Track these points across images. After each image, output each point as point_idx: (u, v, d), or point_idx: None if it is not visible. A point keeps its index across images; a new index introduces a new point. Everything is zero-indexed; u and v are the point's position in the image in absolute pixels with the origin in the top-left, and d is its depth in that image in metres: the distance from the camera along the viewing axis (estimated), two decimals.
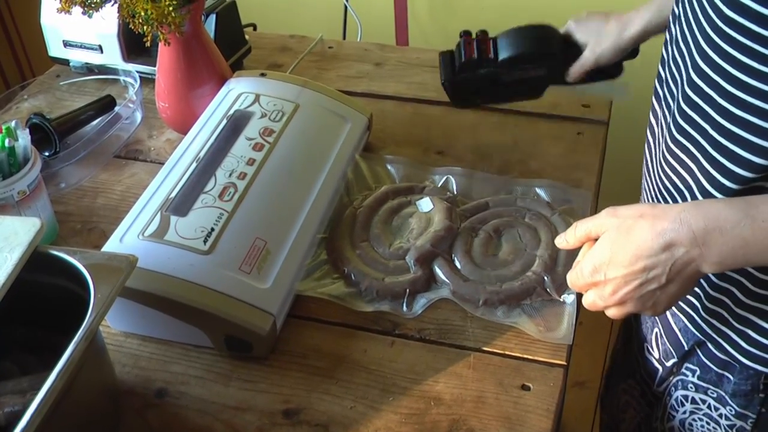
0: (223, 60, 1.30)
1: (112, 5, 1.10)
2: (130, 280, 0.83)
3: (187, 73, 1.24)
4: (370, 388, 0.93)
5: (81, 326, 0.76)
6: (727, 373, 0.94)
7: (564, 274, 1.02)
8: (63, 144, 1.29)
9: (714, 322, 0.91)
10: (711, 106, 0.81)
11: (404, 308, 1.01)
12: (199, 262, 0.95)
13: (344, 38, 2.20)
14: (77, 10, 1.10)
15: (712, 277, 0.88)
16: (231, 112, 1.18)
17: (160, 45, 1.20)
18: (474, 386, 0.92)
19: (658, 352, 1.04)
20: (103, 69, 1.48)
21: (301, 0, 2.31)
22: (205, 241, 0.97)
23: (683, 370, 1.00)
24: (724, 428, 0.98)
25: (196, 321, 0.94)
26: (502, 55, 1.16)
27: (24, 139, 1.09)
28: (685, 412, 1.02)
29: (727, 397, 0.95)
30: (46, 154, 1.26)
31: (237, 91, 1.22)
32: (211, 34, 1.39)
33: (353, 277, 1.04)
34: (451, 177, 1.19)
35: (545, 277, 1.02)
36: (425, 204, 1.12)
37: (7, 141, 1.06)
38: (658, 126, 0.95)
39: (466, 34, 1.18)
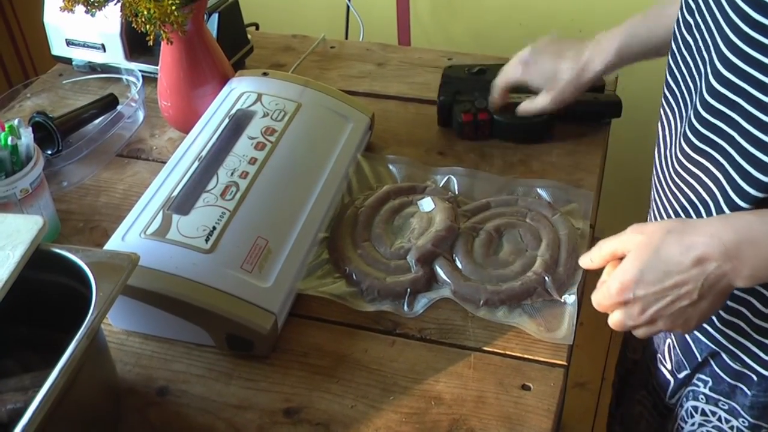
0: (225, 59, 1.31)
1: (115, 4, 1.10)
2: (132, 278, 0.83)
3: (189, 72, 1.24)
4: (371, 387, 0.93)
5: (83, 324, 0.76)
6: (741, 385, 0.93)
7: (564, 274, 1.03)
8: (65, 142, 1.29)
9: (730, 332, 0.90)
10: (738, 113, 0.79)
11: (405, 308, 1.01)
12: (201, 260, 0.95)
13: (346, 38, 2.20)
14: (80, 8, 1.10)
15: None
16: (233, 111, 1.18)
17: (163, 44, 1.20)
18: (474, 386, 0.93)
19: (670, 363, 1.03)
20: (105, 68, 1.48)
21: (303, 0, 2.32)
22: (206, 240, 0.97)
23: (695, 380, 0.99)
24: None
25: (198, 319, 0.95)
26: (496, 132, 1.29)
27: (27, 137, 1.09)
28: (694, 424, 1.01)
29: (739, 409, 0.94)
30: (49, 152, 1.26)
31: (239, 91, 1.23)
32: (214, 34, 1.39)
33: (354, 277, 1.04)
34: (452, 177, 1.19)
35: (546, 278, 1.02)
36: (427, 204, 1.12)
37: (9, 139, 1.06)
38: (669, 133, 0.93)
39: (466, 113, 1.28)
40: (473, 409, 0.90)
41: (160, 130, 1.37)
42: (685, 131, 0.88)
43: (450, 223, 1.08)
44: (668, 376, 1.04)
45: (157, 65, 1.29)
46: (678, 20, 0.90)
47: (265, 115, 1.17)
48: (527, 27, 2.08)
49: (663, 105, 0.96)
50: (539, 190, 1.16)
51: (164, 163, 1.14)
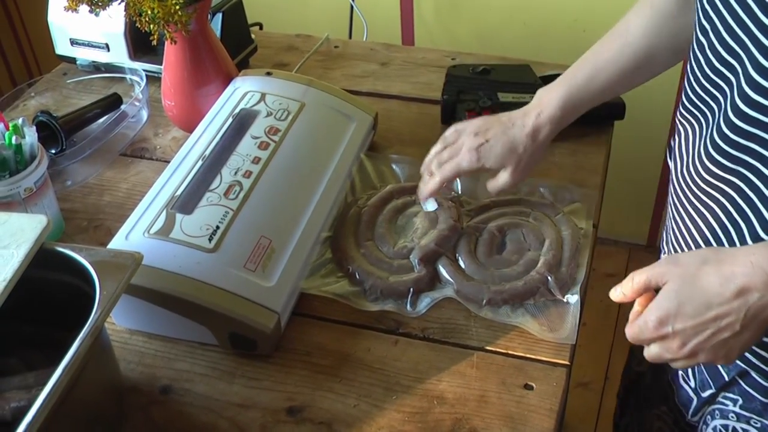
0: (229, 59, 1.31)
1: (119, 3, 1.10)
2: (136, 277, 0.83)
3: (193, 71, 1.25)
4: (374, 386, 0.93)
5: (86, 323, 0.76)
6: None
7: (567, 274, 1.03)
8: (69, 142, 1.30)
9: (761, 351, 0.88)
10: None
11: (408, 307, 1.01)
12: (205, 260, 0.96)
13: (350, 38, 2.20)
14: (84, 8, 1.10)
15: None
16: (236, 110, 1.18)
17: (167, 44, 1.20)
18: (477, 385, 0.93)
19: (694, 381, 1.01)
20: (109, 67, 1.49)
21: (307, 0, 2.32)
22: (210, 239, 0.97)
23: (720, 398, 0.97)
24: None
25: (201, 318, 0.95)
26: None
27: (31, 136, 1.09)
28: None
29: None
30: (53, 151, 1.27)
31: (243, 90, 1.23)
32: (218, 33, 1.39)
33: (357, 276, 1.04)
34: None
35: (549, 277, 1.02)
36: (430, 203, 1.12)
37: (14, 138, 1.07)
38: (689, 147, 0.91)
39: (470, 112, 1.28)
40: (476, 409, 0.90)
41: (163, 130, 1.37)
42: (708, 149, 0.85)
43: (453, 223, 1.08)
44: (692, 394, 1.02)
45: (160, 65, 1.29)
46: (696, 26, 0.88)
47: (268, 114, 1.17)
48: (531, 27, 2.08)
49: (682, 113, 0.94)
50: (542, 190, 1.16)
51: (168, 162, 1.14)
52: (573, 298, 1.01)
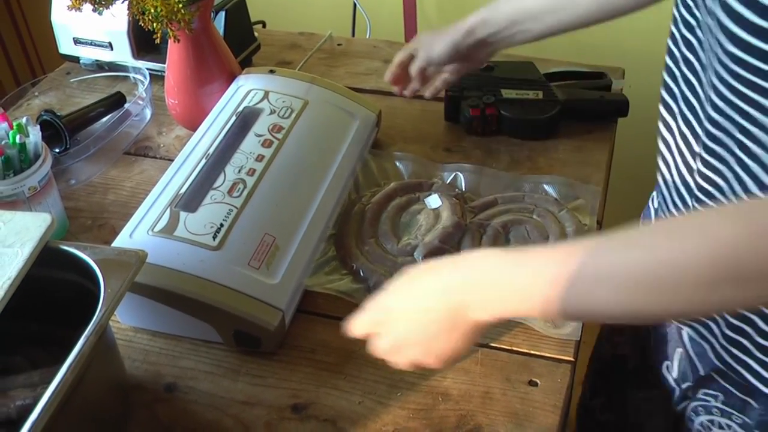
0: (232, 57, 1.31)
1: (123, 2, 1.10)
2: (140, 275, 0.83)
3: (196, 70, 1.25)
4: (378, 383, 0.93)
5: (91, 321, 0.77)
6: (751, 400, 0.91)
7: None
8: (73, 140, 1.30)
9: (734, 350, 0.88)
10: (739, 133, 0.75)
11: None
12: (209, 257, 0.96)
13: (353, 35, 2.20)
14: (87, 7, 1.10)
15: None
16: (240, 108, 1.18)
17: (170, 42, 1.20)
18: (481, 382, 0.93)
19: (677, 372, 1.02)
20: (113, 66, 1.49)
21: None
22: (214, 237, 0.97)
23: (701, 395, 0.97)
24: None
25: (206, 316, 0.95)
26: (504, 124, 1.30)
27: (35, 135, 1.09)
28: None
29: (752, 425, 0.93)
30: (57, 150, 1.27)
31: (246, 88, 1.23)
32: (221, 31, 1.39)
33: (361, 273, 1.04)
34: (459, 174, 1.19)
35: None
36: (433, 200, 1.12)
37: (18, 137, 1.07)
38: (672, 149, 0.90)
39: (473, 108, 1.29)
40: (480, 405, 0.90)
41: (167, 128, 1.38)
42: (692, 147, 0.84)
43: (457, 220, 1.08)
44: (673, 384, 1.03)
45: (164, 63, 1.29)
46: (675, 17, 0.87)
47: (272, 112, 1.17)
48: None
49: (663, 112, 0.93)
50: (546, 186, 1.16)
51: (172, 160, 1.14)
52: None
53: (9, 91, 1.46)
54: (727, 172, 0.79)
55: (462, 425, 0.88)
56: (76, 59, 1.53)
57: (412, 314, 0.76)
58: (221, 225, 0.99)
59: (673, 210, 0.92)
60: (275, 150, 1.10)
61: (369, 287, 1.03)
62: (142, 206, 1.05)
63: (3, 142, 1.07)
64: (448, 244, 1.06)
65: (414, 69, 1.24)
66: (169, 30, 1.12)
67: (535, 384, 0.92)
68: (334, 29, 1.65)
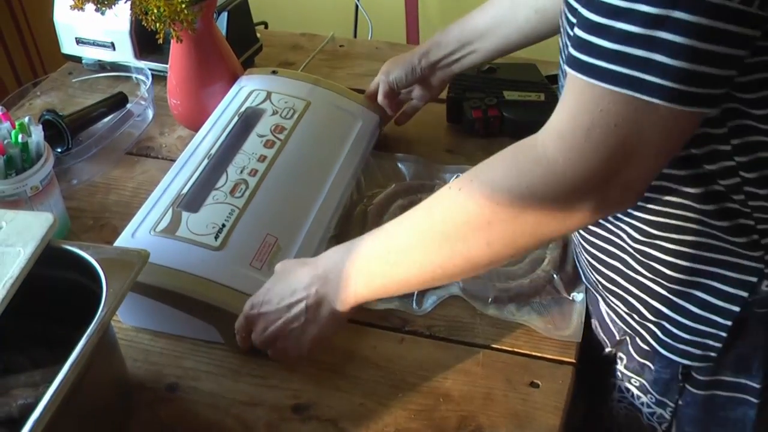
0: (234, 57, 1.31)
1: (125, 2, 1.10)
2: (142, 275, 0.83)
3: (198, 70, 1.25)
4: (380, 384, 0.93)
5: (93, 320, 0.77)
6: (648, 362, 0.95)
7: (573, 272, 1.03)
8: (75, 140, 1.30)
9: (635, 315, 0.93)
10: None
11: (414, 305, 1.01)
12: (211, 257, 0.96)
13: (355, 36, 2.20)
14: (90, 7, 1.10)
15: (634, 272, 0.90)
16: (242, 109, 1.18)
17: (173, 42, 1.20)
18: (483, 383, 0.93)
19: (600, 335, 1.05)
20: (115, 66, 1.49)
21: None
22: (216, 237, 0.97)
23: (617, 359, 1.01)
24: (646, 416, 0.99)
25: (207, 316, 0.95)
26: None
27: (37, 135, 1.09)
28: (613, 400, 1.03)
29: (648, 386, 0.96)
30: (59, 150, 1.27)
31: (248, 89, 1.23)
32: (223, 32, 1.39)
33: None
34: (461, 175, 1.19)
35: (554, 275, 1.02)
36: None
37: (20, 137, 1.07)
38: None
39: (476, 109, 1.30)
40: (481, 407, 0.90)
41: (169, 129, 1.38)
42: None
43: None
44: (598, 351, 1.05)
45: (166, 63, 1.29)
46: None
47: (274, 113, 1.17)
48: None
49: None
50: None
51: (173, 161, 1.14)
52: (578, 296, 1.01)
53: (11, 91, 1.46)
54: None
55: (463, 426, 0.88)
56: (78, 59, 1.53)
57: (282, 311, 0.87)
58: (223, 225, 0.99)
59: None
60: (277, 151, 1.10)
61: None
62: (144, 206, 1.05)
63: (5, 142, 1.07)
64: None
65: (380, 96, 1.26)
66: (171, 30, 1.12)
67: (537, 385, 0.92)
68: (336, 30, 1.65)
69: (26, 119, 1.10)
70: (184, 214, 1.01)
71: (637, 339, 0.94)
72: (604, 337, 1.01)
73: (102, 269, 0.82)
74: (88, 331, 0.76)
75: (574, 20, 0.76)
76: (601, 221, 0.91)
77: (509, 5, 1.13)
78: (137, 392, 0.94)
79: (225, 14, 1.42)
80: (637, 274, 0.90)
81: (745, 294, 0.84)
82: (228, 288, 0.94)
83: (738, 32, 0.62)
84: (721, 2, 0.60)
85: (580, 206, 0.70)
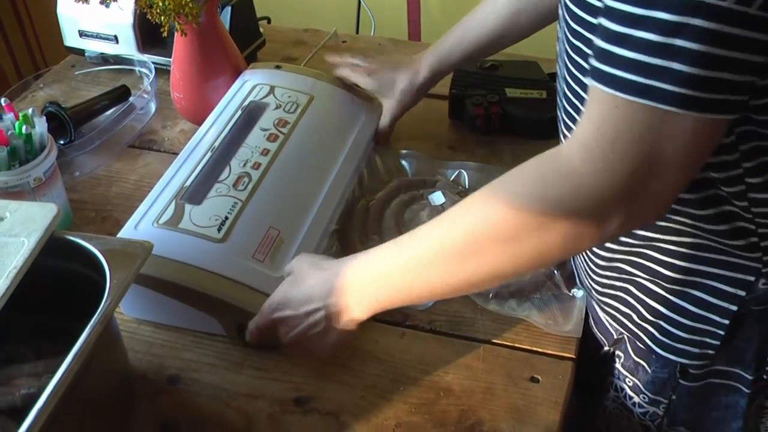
0: (238, 52, 1.31)
1: None
2: (144, 266, 0.83)
3: (202, 64, 1.25)
4: (381, 378, 0.94)
5: (95, 312, 0.77)
6: (643, 362, 0.95)
7: (573, 269, 1.03)
8: (78, 133, 1.30)
9: (634, 316, 0.93)
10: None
11: None
12: (213, 249, 0.96)
13: (357, 32, 2.20)
14: None
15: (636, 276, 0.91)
16: (246, 103, 1.18)
17: (176, 36, 1.20)
18: (483, 378, 0.93)
19: (598, 335, 1.05)
20: (118, 59, 1.49)
21: None
22: (219, 230, 0.98)
23: (615, 357, 1.01)
24: (638, 416, 1.00)
25: (210, 308, 0.95)
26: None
27: (41, 126, 1.09)
28: (608, 399, 1.03)
29: (641, 386, 0.97)
30: (61, 142, 1.27)
31: (252, 83, 1.23)
32: (226, 26, 1.39)
33: None
34: (463, 171, 1.20)
35: (555, 272, 1.03)
36: (437, 197, 1.13)
37: (24, 128, 1.07)
38: None
39: (477, 106, 1.31)
40: (482, 401, 0.91)
41: (172, 122, 1.38)
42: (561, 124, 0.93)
43: None
44: (596, 349, 1.05)
45: (169, 57, 1.29)
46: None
47: (277, 107, 1.17)
48: None
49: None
50: None
51: (176, 154, 1.14)
52: (579, 293, 1.02)
53: (12, 84, 1.46)
54: None
55: (463, 420, 0.89)
56: (81, 52, 1.53)
57: (301, 317, 0.88)
58: (226, 218, 0.99)
59: None
60: (280, 144, 1.11)
61: None
62: (146, 199, 1.05)
63: (9, 133, 1.07)
64: None
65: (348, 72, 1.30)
66: (176, 23, 1.12)
67: (537, 380, 0.93)
68: (339, 26, 1.66)
69: (30, 111, 1.10)
70: (187, 207, 1.01)
71: (635, 340, 0.95)
72: (602, 337, 1.02)
73: (106, 260, 0.82)
74: (92, 321, 0.76)
75: (574, 25, 0.77)
76: None
77: (511, 15, 1.15)
78: (139, 384, 0.94)
79: (228, 8, 1.42)
80: (634, 275, 0.91)
81: (743, 293, 0.85)
82: (230, 280, 0.94)
83: (757, 38, 0.62)
84: (740, 8, 0.60)
85: (609, 219, 0.70)
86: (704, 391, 0.94)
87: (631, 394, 0.99)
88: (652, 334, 0.92)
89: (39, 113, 1.17)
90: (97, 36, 1.49)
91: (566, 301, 1.01)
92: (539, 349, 0.96)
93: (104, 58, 1.51)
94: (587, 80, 0.69)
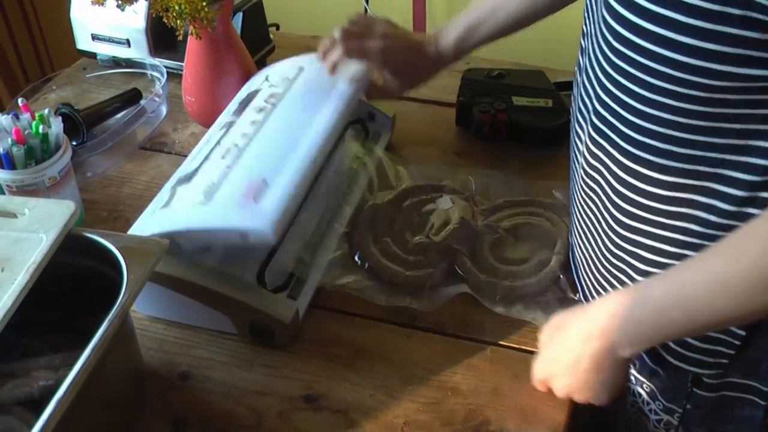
0: (249, 57, 1.33)
1: None
2: (158, 265, 0.85)
3: (215, 68, 1.27)
4: (389, 377, 0.95)
5: (111, 308, 0.78)
6: (659, 368, 0.95)
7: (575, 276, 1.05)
8: (90, 134, 1.32)
9: None
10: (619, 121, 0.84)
11: (423, 302, 1.03)
12: (199, 210, 0.96)
13: None
14: (111, 3, 1.12)
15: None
16: (244, 96, 1.19)
17: (190, 40, 1.22)
18: (490, 378, 0.95)
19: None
20: (129, 63, 1.51)
21: (322, 1, 2.34)
22: (205, 195, 0.97)
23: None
24: (653, 423, 1.00)
25: (222, 307, 0.97)
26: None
27: (57, 126, 1.11)
28: (626, 404, 1.03)
29: (657, 392, 0.97)
30: (74, 143, 1.28)
31: (253, 79, 1.24)
32: (238, 32, 1.41)
33: (374, 271, 1.06)
34: (470, 177, 1.22)
35: (561, 276, 1.04)
36: (445, 202, 1.15)
37: (41, 128, 1.09)
38: (582, 138, 0.95)
39: (484, 113, 1.31)
40: (489, 400, 0.92)
41: (182, 125, 1.39)
42: (585, 141, 0.92)
43: (467, 221, 1.10)
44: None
45: (180, 61, 1.31)
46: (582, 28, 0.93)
47: (270, 86, 1.18)
48: (545, 30, 2.09)
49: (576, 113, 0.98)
50: (555, 192, 1.18)
51: (186, 156, 1.15)
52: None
53: (18, 90, 1.47)
54: (603, 170, 0.89)
55: (471, 419, 0.90)
56: (93, 55, 1.54)
57: (569, 368, 0.86)
58: (213, 184, 0.98)
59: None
60: (267, 113, 1.11)
61: (381, 285, 1.05)
62: (155, 198, 1.06)
63: (26, 132, 1.08)
64: (459, 244, 1.08)
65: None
66: (191, 27, 1.14)
67: None
68: None
69: (46, 111, 1.12)
70: (179, 189, 1.01)
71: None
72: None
73: (123, 257, 0.84)
74: (110, 315, 0.77)
75: (615, 24, 0.77)
76: (606, 254, 0.93)
77: None
78: (150, 380, 0.96)
79: (240, 14, 1.44)
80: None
81: None
82: (243, 280, 0.96)
83: None
84: None
85: None
86: (720, 403, 0.93)
87: (648, 399, 0.98)
88: (666, 344, 0.91)
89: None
90: (110, 39, 1.50)
91: (572, 305, 1.02)
92: None
93: (116, 62, 1.53)
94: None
